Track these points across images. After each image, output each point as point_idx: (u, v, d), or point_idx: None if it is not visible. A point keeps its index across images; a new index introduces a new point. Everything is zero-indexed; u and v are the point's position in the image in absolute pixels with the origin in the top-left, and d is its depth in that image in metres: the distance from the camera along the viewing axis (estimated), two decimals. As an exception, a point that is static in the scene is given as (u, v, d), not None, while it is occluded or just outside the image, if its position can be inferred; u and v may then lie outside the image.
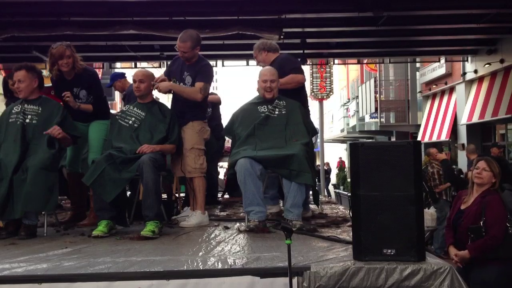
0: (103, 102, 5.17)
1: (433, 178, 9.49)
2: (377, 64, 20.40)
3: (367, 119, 23.36)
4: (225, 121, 5.83)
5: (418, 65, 18.34)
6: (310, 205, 5.67)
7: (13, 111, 4.65)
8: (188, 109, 4.89)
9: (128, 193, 5.17)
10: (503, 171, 4.77)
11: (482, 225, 4.12)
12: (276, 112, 4.77)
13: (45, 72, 10.23)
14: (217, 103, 7.04)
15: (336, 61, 19.58)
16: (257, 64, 5.46)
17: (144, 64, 16.81)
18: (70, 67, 4.80)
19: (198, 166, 4.88)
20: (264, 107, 4.78)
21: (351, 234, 3.46)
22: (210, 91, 5.30)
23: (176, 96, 5.01)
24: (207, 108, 5.25)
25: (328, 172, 21.24)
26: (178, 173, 5.03)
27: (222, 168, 15.36)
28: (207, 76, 4.85)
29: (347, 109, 29.60)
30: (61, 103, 4.83)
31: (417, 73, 18.84)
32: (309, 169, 4.38)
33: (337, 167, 27.01)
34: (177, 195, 5.75)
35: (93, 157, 4.72)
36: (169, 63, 5.66)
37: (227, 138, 6.60)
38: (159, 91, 4.86)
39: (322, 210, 5.68)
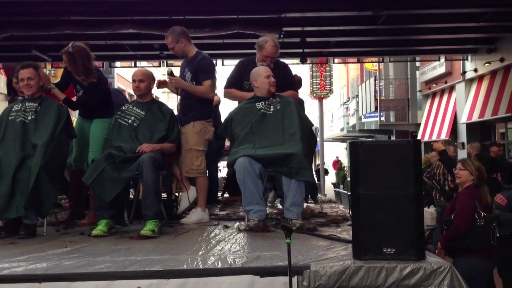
0: (101, 102, 5.11)
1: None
2: (377, 63, 20.38)
3: (363, 119, 23.35)
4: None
5: (418, 64, 18.32)
6: (310, 204, 5.68)
7: (13, 109, 4.64)
8: (191, 108, 4.90)
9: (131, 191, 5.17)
10: (505, 170, 4.87)
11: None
12: (272, 109, 4.75)
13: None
14: (216, 104, 7.03)
15: (336, 60, 19.59)
16: None
17: (143, 63, 16.81)
18: (71, 68, 4.91)
19: (195, 167, 4.90)
20: (262, 104, 4.77)
21: (351, 233, 3.46)
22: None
23: (181, 94, 5.03)
24: (212, 106, 5.25)
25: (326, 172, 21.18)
26: (176, 173, 5.04)
27: (222, 167, 15.33)
28: (209, 71, 4.93)
29: (347, 108, 29.59)
30: (62, 102, 4.83)
31: (417, 72, 18.83)
32: (309, 166, 4.38)
33: (334, 169, 26.94)
34: (176, 194, 5.74)
35: (92, 156, 4.71)
36: (169, 62, 5.67)
37: (227, 137, 6.59)
38: (173, 85, 4.92)
39: (322, 209, 5.68)
